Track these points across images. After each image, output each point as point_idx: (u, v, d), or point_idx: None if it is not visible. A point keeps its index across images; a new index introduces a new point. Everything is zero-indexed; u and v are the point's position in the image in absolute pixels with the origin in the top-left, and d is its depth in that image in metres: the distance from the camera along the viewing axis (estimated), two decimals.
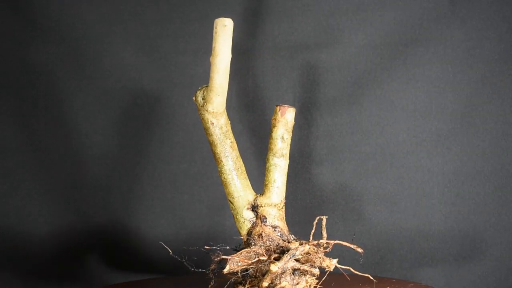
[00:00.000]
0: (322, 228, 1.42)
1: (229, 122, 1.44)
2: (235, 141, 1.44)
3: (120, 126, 2.01)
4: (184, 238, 1.98)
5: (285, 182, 1.44)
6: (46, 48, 2.00)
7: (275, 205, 1.43)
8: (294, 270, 1.35)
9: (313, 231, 1.42)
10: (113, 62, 2.00)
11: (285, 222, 1.43)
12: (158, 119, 2.00)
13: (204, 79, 1.99)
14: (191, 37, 1.99)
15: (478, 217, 1.94)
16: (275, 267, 1.29)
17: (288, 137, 1.43)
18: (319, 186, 1.98)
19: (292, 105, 1.48)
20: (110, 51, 2.00)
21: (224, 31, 1.34)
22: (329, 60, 1.96)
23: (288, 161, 1.44)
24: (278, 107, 1.42)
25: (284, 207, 1.43)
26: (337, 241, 1.40)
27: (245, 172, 1.45)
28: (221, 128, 1.43)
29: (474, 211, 1.94)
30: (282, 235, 1.41)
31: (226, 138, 1.43)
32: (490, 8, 1.92)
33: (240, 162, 1.45)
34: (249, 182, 1.44)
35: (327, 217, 1.44)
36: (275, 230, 1.41)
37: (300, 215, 1.98)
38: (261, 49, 1.98)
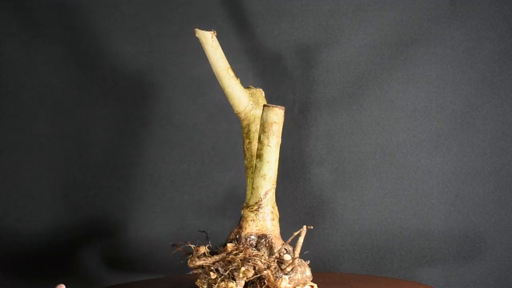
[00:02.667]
0: (300, 236, 1.41)
1: (256, 123, 1.48)
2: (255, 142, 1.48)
3: (120, 126, 2.01)
4: (184, 238, 1.98)
5: (263, 185, 1.42)
6: (46, 48, 1.99)
7: (248, 207, 1.44)
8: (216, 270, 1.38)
9: (290, 238, 1.42)
10: (113, 62, 2.00)
11: (253, 225, 1.43)
12: (158, 119, 2.00)
13: (204, 79, 2.00)
14: (191, 37, 1.98)
15: (478, 217, 1.94)
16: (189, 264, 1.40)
17: (264, 137, 1.40)
18: (319, 186, 1.98)
19: (283, 104, 1.45)
20: (110, 51, 1.99)
21: (201, 41, 1.44)
22: (329, 60, 1.96)
23: (267, 162, 1.41)
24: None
25: (260, 209, 1.42)
26: (250, 256, 1.38)
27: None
28: (243, 128, 1.50)
29: (474, 211, 1.94)
30: (238, 237, 1.42)
31: (246, 138, 1.50)
32: (490, 8, 1.92)
33: (254, 162, 1.47)
34: None
35: (311, 227, 1.43)
36: (238, 231, 1.43)
37: (300, 215, 1.98)
38: (261, 49, 1.98)
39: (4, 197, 2.00)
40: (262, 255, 1.38)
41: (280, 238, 1.46)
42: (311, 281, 1.44)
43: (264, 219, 1.43)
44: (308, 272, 1.41)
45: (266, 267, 1.36)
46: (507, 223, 1.93)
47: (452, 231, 1.94)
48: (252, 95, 1.50)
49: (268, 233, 1.43)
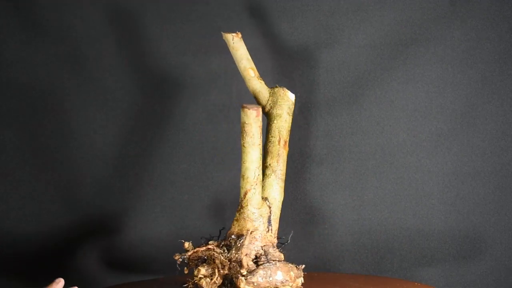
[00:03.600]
0: (245, 239, 1.41)
1: (272, 122, 1.54)
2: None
3: (120, 126, 2.01)
4: (184, 238, 1.98)
5: (242, 185, 1.43)
6: (46, 48, 1.99)
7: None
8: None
9: (241, 243, 1.42)
10: (113, 62, 2.00)
11: (236, 224, 1.44)
12: (158, 119, 2.00)
13: (204, 79, 2.00)
14: (191, 37, 1.99)
15: (478, 217, 1.94)
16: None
17: (241, 138, 1.42)
18: (319, 186, 1.98)
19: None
20: (110, 51, 1.99)
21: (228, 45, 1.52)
22: (329, 60, 1.96)
23: (243, 162, 1.42)
24: None
25: (241, 209, 1.43)
26: (192, 252, 1.41)
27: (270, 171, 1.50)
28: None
29: (474, 211, 1.94)
30: (224, 236, 1.45)
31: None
32: (490, 8, 1.92)
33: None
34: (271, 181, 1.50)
35: (254, 231, 1.42)
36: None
37: (300, 215, 1.98)
38: (261, 49, 1.98)
39: (4, 197, 2.00)
40: (218, 255, 1.39)
41: (265, 239, 1.45)
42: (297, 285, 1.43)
43: (244, 219, 1.44)
44: (279, 276, 1.39)
45: (221, 266, 1.38)
46: (507, 223, 1.93)
47: (452, 231, 1.94)
48: (272, 94, 1.53)
49: (247, 233, 1.43)
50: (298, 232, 1.96)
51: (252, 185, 1.42)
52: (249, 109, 1.40)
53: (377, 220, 1.96)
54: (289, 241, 1.49)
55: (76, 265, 2.01)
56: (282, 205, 1.50)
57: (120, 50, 1.99)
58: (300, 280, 1.43)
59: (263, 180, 1.48)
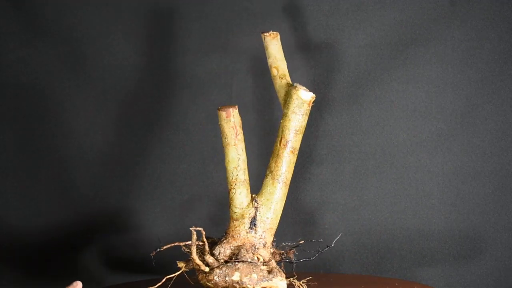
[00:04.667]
0: (192, 238, 1.43)
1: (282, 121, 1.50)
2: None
3: (120, 126, 2.01)
4: (184, 238, 1.98)
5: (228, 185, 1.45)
6: (46, 48, 2.00)
7: None
8: None
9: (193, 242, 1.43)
10: (113, 62, 2.00)
11: (227, 223, 1.46)
12: (158, 119, 2.00)
13: (204, 79, 2.00)
14: (191, 37, 1.99)
15: (478, 217, 1.94)
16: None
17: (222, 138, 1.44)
18: (319, 186, 1.98)
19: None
20: (110, 51, 2.00)
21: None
22: (329, 60, 1.97)
23: (225, 164, 1.44)
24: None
25: (228, 208, 1.45)
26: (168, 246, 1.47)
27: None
28: None
29: (474, 211, 1.94)
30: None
31: None
32: (490, 8, 1.92)
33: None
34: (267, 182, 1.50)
35: (201, 229, 1.44)
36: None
37: (300, 215, 1.98)
38: (261, 49, 1.98)
39: (4, 197, 2.01)
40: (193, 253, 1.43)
41: (244, 239, 1.45)
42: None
43: (229, 219, 1.45)
44: (236, 277, 1.39)
45: (196, 263, 1.42)
46: (507, 223, 1.93)
47: (452, 231, 1.94)
48: (286, 93, 1.51)
49: (228, 232, 1.45)
50: (298, 232, 1.96)
51: (231, 185, 1.44)
52: (219, 110, 1.42)
53: (377, 220, 1.96)
54: (332, 245, 1.50)
55: (76, 265, 2.02)
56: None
57: (120, 50, 2.00)
58: (279, 284, 1.40)
59: (263, 180, 1.48)
